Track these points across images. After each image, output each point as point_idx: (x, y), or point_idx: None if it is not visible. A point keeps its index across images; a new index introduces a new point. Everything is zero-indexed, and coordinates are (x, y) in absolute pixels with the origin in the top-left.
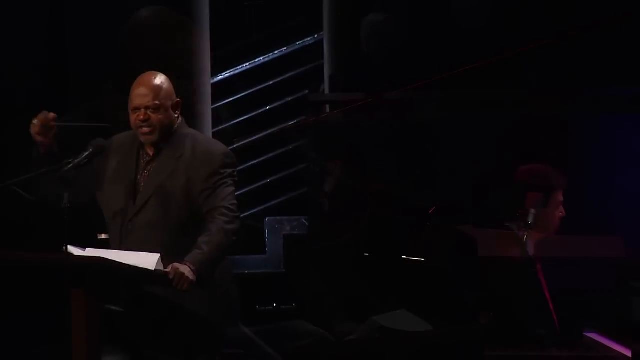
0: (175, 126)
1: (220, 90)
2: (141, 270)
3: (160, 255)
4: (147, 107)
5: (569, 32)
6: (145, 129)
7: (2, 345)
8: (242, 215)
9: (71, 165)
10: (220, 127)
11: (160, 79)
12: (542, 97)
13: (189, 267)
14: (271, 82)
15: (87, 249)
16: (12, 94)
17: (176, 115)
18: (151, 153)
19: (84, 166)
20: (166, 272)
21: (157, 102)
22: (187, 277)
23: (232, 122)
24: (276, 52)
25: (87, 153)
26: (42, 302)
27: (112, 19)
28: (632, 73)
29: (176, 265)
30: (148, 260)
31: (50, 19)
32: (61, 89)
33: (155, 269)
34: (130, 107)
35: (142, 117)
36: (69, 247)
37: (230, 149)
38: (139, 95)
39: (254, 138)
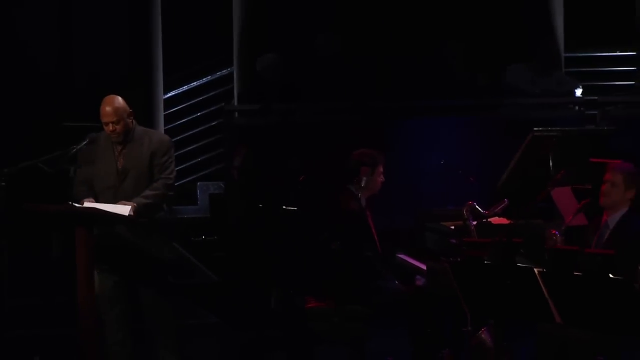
0: (132, 127)
1: (169, 102)
2: (116, 215)
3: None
4: (112, 122)
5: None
6: (114, 136)
7: (30, 263)
8: (182, 181)
9: (75, 149)
10: (169, 126)
11: (118, 101)
12: (371, 107)
13: (131, 205)
14: (201, 98)
15: (84, 203)
16: None
17: (131, 120)
18: (120, 147)
19: (82, 150)
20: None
21: (117, 118)
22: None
23: (176, 123)
24: (204, 79)
25: (85, 142)
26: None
27: None
28: (434, 89)
29: (123, 201)
30: (123, 209)
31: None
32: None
33: (128, 214)
34: (101, 120)
35: (110, 128)
36: (72, 202)
37: (174, 140)
38: (105, 114)
39: (192, 132)
